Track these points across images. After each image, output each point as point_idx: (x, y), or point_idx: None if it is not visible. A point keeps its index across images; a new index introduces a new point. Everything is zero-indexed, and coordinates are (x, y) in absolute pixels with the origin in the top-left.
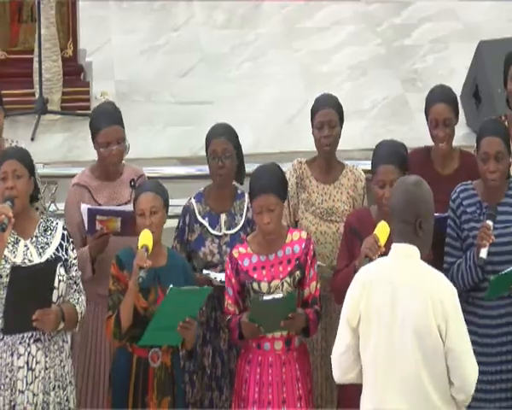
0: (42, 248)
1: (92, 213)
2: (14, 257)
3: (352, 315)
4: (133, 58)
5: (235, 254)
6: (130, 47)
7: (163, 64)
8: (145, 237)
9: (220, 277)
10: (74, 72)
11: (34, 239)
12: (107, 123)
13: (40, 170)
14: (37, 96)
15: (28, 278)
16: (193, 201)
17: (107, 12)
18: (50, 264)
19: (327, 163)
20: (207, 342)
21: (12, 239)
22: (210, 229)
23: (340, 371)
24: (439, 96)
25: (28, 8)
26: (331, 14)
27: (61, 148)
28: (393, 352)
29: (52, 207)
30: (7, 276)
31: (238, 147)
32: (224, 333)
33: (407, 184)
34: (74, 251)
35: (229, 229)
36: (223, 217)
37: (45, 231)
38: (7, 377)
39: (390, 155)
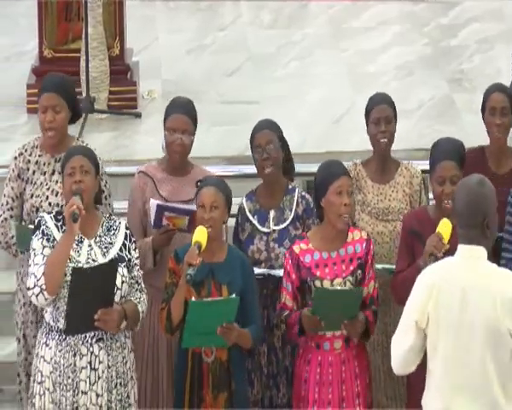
0: (106, 248)
1: (161, 210)
2: (79, 256)
3: (421, 317)
4: (180, 57)
5: (297, 250)
6: (177, 46)
7: (210, 64)
8: (199, 234)
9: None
10: (121, 71)
11: (98, 239)
12: (177, 111)
13: None
14: (84, 94)
15: (89, 278)
16: (244, 200)
17: (154, 11)
18: (111, 264)
19: (382, 162)
20: (262, 341)
21: (76, 238)
22: (259, 226)
23: (402, 367)
24: (497, 87)
25: (75, 7)
26: (378, 14)
27: (107, 146)
28: (462, 354)
29: None
30: (70, 275)
31: (283, 140)
32: (278, 330)
33: (472, 186)
34: (137, 250)
35: (277, 225)
36: (271, 213)
37: (108, 230)
38: (69, 377)
39: (449, 151)
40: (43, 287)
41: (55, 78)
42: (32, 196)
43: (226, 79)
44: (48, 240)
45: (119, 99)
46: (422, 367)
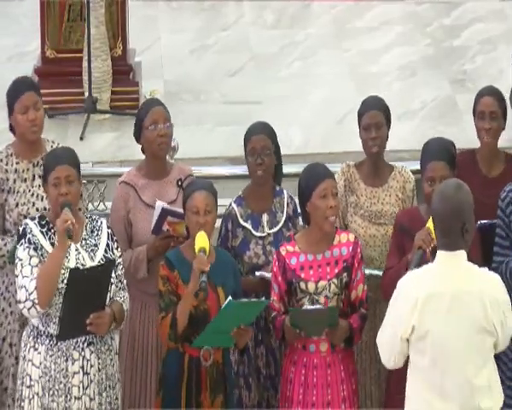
0: (92, 250)
1: (165, 213)
2: (68, 262)
3: (406, 330)
4: (182, 58)
5: (283, 252)
6: (180, 46)
7: (212, 64)
8: (202, 240)
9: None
10: (123, 71)
11: (84, 242)
12: (153, 106)
13: (89, 169)
14: (86, 95)
15: (85, 280)
16: (234, 205)
17: (157, 11)
18: (108, 265)
19: (375, 166)
20: (260, 343)
21: None
22: (253, 231)
23: (391, 363)
24: (488, 91)
25: (77, 7)
26: (381, 14)
27: (109, 147)
28: (449, 359)
29: (101, 207)
30: (62, 281)
31: (277, 145)
32: None
33: (449, 192)
34: (119, 249)
35: (271, 228)
36: (264, 217)
37: (92, 232)
38: (61, 382)
39: (439, 151)
40: (36, 301)
41: (24, 79)
42: (17, 205)
43: (229, 79)
44: (35, 249)
45: (122, 99)
46: (403, 372)
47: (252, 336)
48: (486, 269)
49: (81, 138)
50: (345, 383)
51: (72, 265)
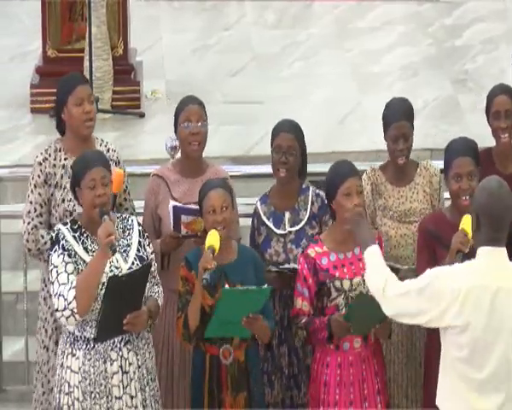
0: (125, 251)
1: (177, 212)
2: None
3: (438, 319)
4: (184, 57)
5: (312, 254)
6: (181, 46)
7: (214, 64)
8: (212, 238)
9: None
10: (125, 71)
11: (116, 244)
12: (188, 103)
13: None
14: None
15: (124, 285)
16: (258, 203)
17: (158, 11)
18: (145, 269)
19: (400, 166)
20: (283, 342)
21: (96, 247)
22: (274, 229)
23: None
24: (501, 89)
25: (79, 7)
26: (382, 14)
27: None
28: (488, 354)
29: None
30: (106, 284)
31: (303, 146)
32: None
33: (495, 188)
34: (151, 245)
35: (293, 226)
36: (287, 215)
37: (123, 231)
38: (101, 384)
39: (465, 148)
40: (75, 310)
41: (78, 74)
42: (63, 201)
43: (230, 78)
44: (69, 255)
45: (123, 99)
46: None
47: (275, 334)
48: None
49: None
50: (378, 376)
51: (107, 268)
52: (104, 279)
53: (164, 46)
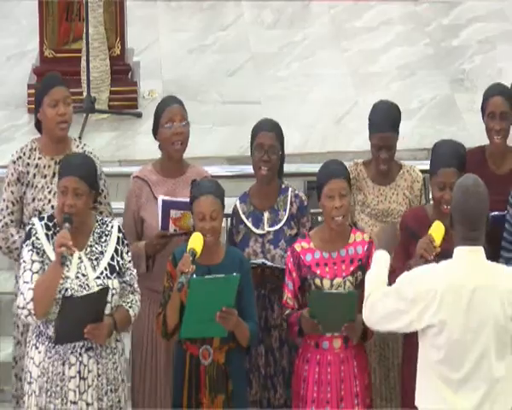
0: (96, 259)
1: (166, 206)
2: (68, 271)
3: (418, 322)
4: (181, 57)
5: (298, 249)
6: (178, 46)
7: (211, 64)
8: (195, 241)
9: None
10: (122, 71)
11: (88, 250)
12: (170, 103)
13: None
14: (84, 94)
15: (79, 305)
16: (237, 202)
17: (156, 11)
18: (102, 293)
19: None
20: (260, 342)
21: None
22: (253, 228)
23: (372, 322)
24: (497, 90)
25: (76, 7)
26: (380, 14)
27: (108, 146)
28: (466, 354)
29: None
30: (60, 292)
31: (283, 148)
32: (275, 331)
33: (470, 189)
34: (129, 254)
35: (272, 226)
36: (266, 215)
37: (100, 237)
38: (57, 385)
39: (451, 157)
40: (32, 311)
41: (57, 75)
42: (33, 200)
43: (228, 78)
44: (37, 253)
45: (120, 99)
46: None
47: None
48: (505, 266)
49: (79, 138)
50: (358, 379)
51: (72, 274)
52: (68, 284)
53: (161, 46)
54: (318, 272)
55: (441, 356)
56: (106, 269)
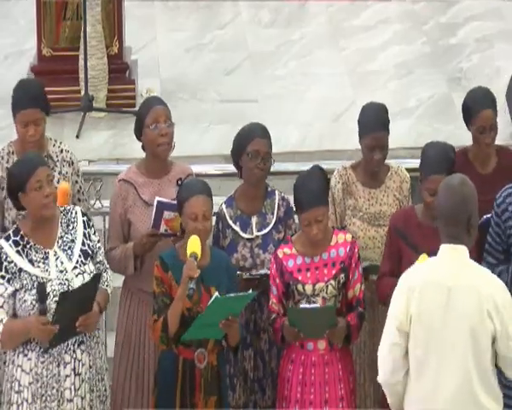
0: (69, 248)
1: (161, 206)
2: (49, 274)
3: (403, 321)
4: (179, 56)
5: (280, 255)
6: (176, 45)
7: (208, 62)
8: (194, 245)
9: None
10: (120, 69)
11: (60, 242)
12: (154, 104)
13: (85, 167)
14: (82, 93)
15: (75, 297)
16: (223, 206)
17: (153, 10)
18: (94, 280)
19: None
20: (248, 346)
21: (40, 256)
22: (241, 233)
23: (390, 372)
24: (486, 103)
25: (74, 5)
26: (377, 12)
27: (106, 145)
28: (445, 354)
29: (97, 205)
30: (57, 300)
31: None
32: (265, 334)
33: (455, 186)
34: (96, 234)
35: (260, 230)
36: (254, 219)
37: (68, 226)
38: (53, 388)
39: (441, 162)
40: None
41: (29, 90)
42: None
43: (225, 77)
44: (9, 281)
45: (118, 98)
46: None
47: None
48: (489, 271)
49: (77, 136)
50: (342, 382)
51: (53, 273)
52: (49, 288)
53: (159, 45)
54: (300, 277)
55: (418, 353)
56: (80, 256)
